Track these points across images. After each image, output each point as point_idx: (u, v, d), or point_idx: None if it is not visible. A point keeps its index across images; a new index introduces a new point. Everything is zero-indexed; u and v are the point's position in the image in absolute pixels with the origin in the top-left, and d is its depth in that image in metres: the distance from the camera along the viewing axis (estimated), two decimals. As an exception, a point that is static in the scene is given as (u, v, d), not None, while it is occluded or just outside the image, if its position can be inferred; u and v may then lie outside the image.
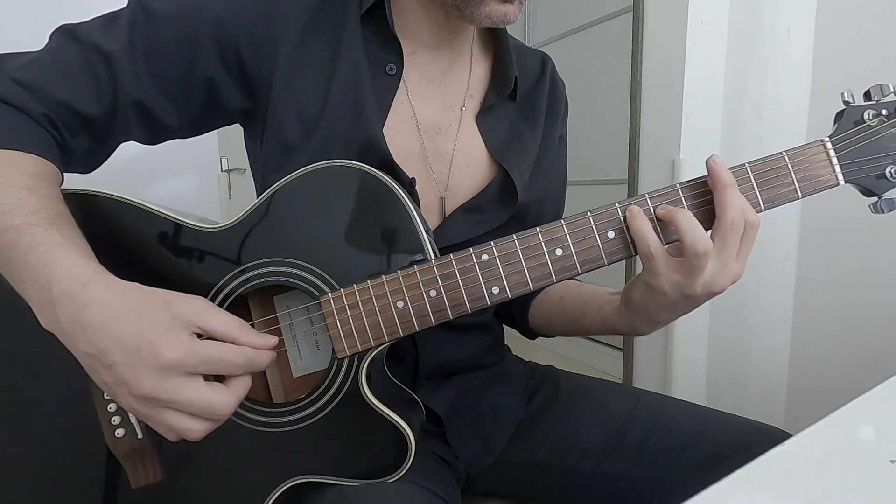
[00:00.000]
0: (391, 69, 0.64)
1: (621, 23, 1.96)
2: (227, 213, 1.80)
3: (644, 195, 0.53)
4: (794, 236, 1.33)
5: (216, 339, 0.47)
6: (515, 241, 0.53)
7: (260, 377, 0.59)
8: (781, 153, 0.53)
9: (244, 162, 0.72)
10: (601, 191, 2.13)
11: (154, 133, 0.63)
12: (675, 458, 0.66)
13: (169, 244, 0.55)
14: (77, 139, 0.59)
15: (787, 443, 0.40)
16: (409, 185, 0.62)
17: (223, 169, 1.99)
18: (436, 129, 0.67)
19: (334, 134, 0.61)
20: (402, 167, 0.62)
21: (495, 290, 0.53)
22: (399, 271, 0.53)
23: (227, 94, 0.62)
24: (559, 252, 0.53)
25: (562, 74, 0.81)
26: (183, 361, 0.43)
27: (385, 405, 0.53)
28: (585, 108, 2.12)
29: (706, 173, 0.52)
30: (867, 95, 0.55)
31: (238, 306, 0.55)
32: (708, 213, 0.52)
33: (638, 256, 0.53)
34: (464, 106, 0.69)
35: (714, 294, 0.52)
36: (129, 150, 0.64)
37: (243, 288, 0.54)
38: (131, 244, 0.56)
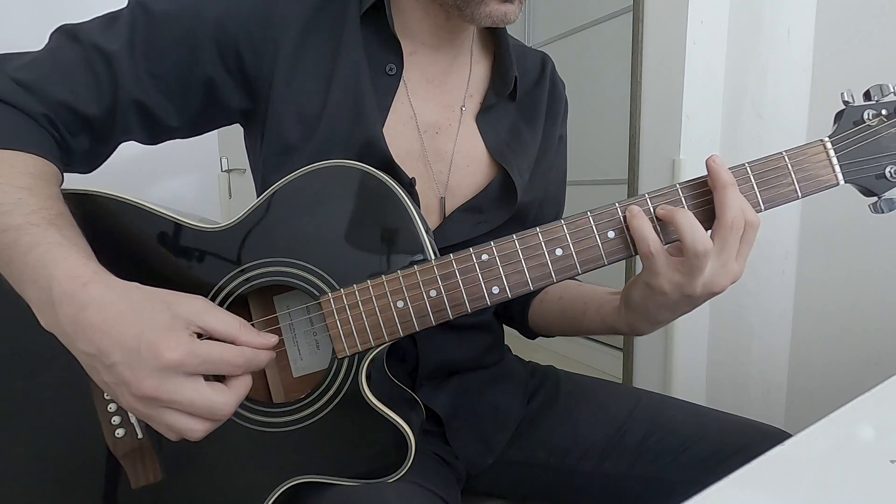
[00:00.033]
0: (391, 69, 0.64)
1: (621, 23, 1.96)
2: (227, 213, 1.80)
3: (644, 195, 0.53)
4: (794, 236, 1.33)
5: (216, 339, 0.47)
6: (515, 241, 0.53)
7: (260, 377, 0.59)
8: (781, 153, 0.53)
9: (244, 162, 0.72)
10: (601, 191, 2.13)
11: (154, 133, 0.63)
12: (675, 458, 0.66)
13: (169, 244, 0.55)
14: (77, 139, 0.59)
15: (787, 443, 0.40)
16: (408, 185, 0.62)
17: (223, 169, 1.98)
18: (436, 129, 0.67)
19: (334, 134, 0.61)
20: (402, 167, 0.62)
21: (495, 290, 0.53)
22: (399, 271, 0.53)
23: (227, 94, 0.62)
24: (559, 252, 0.53)
25: (562, 74, 0.81)
26: (183, 362, 0.43)
27: (385, 405, 0.53)
28: (585, 108, 2.12)
29: (706, 173, 0.52)
30: (867, 95, 0.55)
31: (238, 306, 0.55)
32: (708, 213, 0.52)
33: (638, 256, 0.53)
34: (464, 106, 0.69)
35: (714, 294, 0.52)
36: (129, 150, 0.64)
37: (243, 288, 0.54)
38: (131, 244, 0.56)
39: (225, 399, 0.45)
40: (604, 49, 2.14)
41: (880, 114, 0.54)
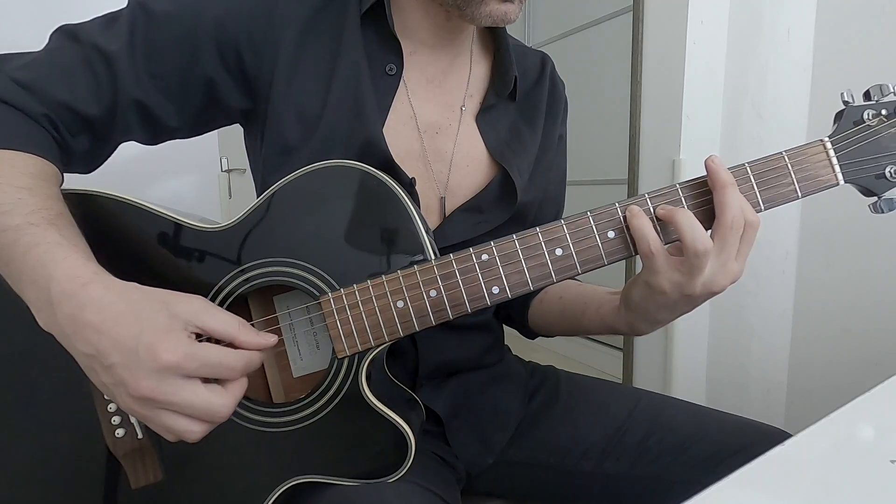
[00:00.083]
0: (391, 69, 0.64)
1: (621, 23, 1.96)
2: (227, 213, 1.80)
3: (644, 195, 0.53)
4: (794, 236, 1.33)
5: (216, 339, 0.47)
6: (515, 240, 0.53)
7: (260, 377, 0.59)
8: (781, 153, 0.53)
9: (244, 162, 0.72)
10: (601, 191, 2.13)
11: (154, 133, 0.63)
12: (675, 458, 0.66)
13: (169, 244, 0.55)
14: (77, 139, 0.59)
15: (787, 443, 0.40)
16: (408, 185, 0.62)
17: (223, 169, 1.99)
18: (436, 129, 0.67)
19: (334, 134, 0.61)
20: (401, 167, 0.62)
21: (495, 290, 0.53)
22: (399, 271, 0.53)
23: (226, 94, 0.62)
24: (559, 252, 0.53)
25: (562, 74, 0.81)
26: (181, 364, 0.43)
27: (385, 405, 0.53)
28: (585, 108, 2.12)
29: (706, 173, 0.52)
30: (867, 95, 0.55)
31: (238, 306, 0.55)
32: (708, 213, 0.52)
33: (638, 256, 0.53)
34: (463, 106, 0.69)
35: (714, 294, 0.52)
36: (129, 150, 0.64)
37: (243, 288, 0.54)
38: (131, 244, 0.56)
39: (223, 401, 0.45)
40: (604, 49, 2.14)
41: (880, 114, 0.54)
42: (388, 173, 0.55)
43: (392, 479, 0.54)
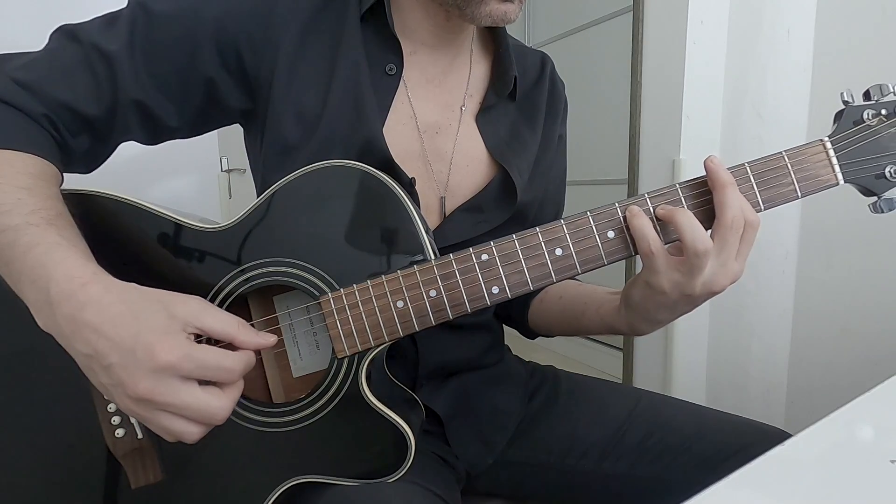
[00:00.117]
0: (391, 69, 0.64)
1: (621, 23, 1.96)
2: (227, 213, 1.80)
3: (644, 195, 0.53)
4: (794, 236, 1.33)
5: (215, 339, 0.47)
6: (515, 240, 0.53)
7: (260, 377, 0.59)
8: (781, 153, 0.53)
9: (244, 162, 0.72)
10: (601, 191, 2.13)
11: (154, 133, 0.63)
12: (675, 458, 0.66)
13: (169, 244, 0.55)
14: (77, 139, 0.59)
15: (787, 443, 0.40)
16: (408, 185, 0.62)
17: (223, 169, 1.99)
18: (435, 129, 0.67)
19: (334, 134, 0.61)
20: (401, 167, 0.62)
21: (495, 290, 0.53)
22: (399, 271, 0.53)
23: (226, 94, 0.62)
24: (559, 252, 0.53)
25: (562, 74, 0.81)
26: (178, 364, 0.42)
27: (385, 405, 0.53)
28: (585, 108, 2.12)
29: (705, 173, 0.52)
30: (867, 95, 0.55)
31: (238, 306, 0.55)
32: (707, 213, 0.52)
33: (638, 256, 0.53)
34: (463, 106, 0.69)
35: (714, 293, 0.52)
36: (129, 150, 0.64)
37: (243, 288, 0.54)
38: (131, 244, 0.56)
39: (220, 404, 0.45)
40: (604, 49, 2.14)
41: (880, 113, 0.53)
42: (388, 173, 0.54)
43: (392, 479, 0.54)
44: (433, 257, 0.54)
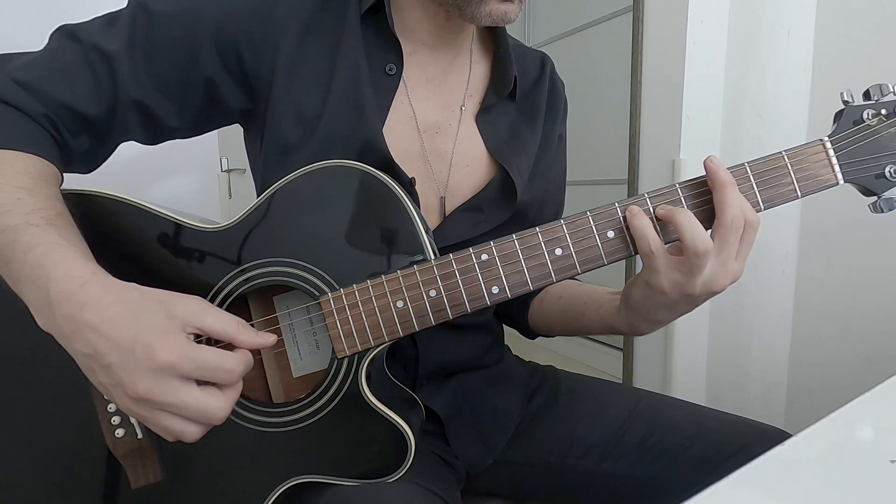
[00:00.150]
0: (391, 69, 0.64)
1: (621, 23, 1.96)
2: (227, 213, 1.80)
3: (643, 195, 0.53)
4: (794, 236, 1.33)
5: (215, 339, 0.47)
6: (515, 240, 0.53)
7: (260, 377, 0.59)
8: (781, 153, 0.53)
9: (244, 162, 0.72)
10: (601, 191, 2.13)
11: (154, 133, 0.63)
12: (675, 458, 0.66)
13: (169, 244, 0.55)
14: (77, 139, 0.59)
15: (787, 443, 0.40)
16: (408, 185, 0.62)
17: (223, 169, 1.99)
18: (435, 129, 0.67)
19: (334, 134, 0.61)
20: (401, 167, 0.62)
21: (495, 289, 0.53)
22: (399, 271, 0.53)
23: (226, 93, 0.62)
24: (559, 252, 0.53)
25: (562, 74, 0.81)
26: (177, 364, 0.42)
27: (385, 405, 0.53)
28: (585, 108, 2.12)
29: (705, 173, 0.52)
30: (866, 95, 0.55)
31: (238, 306, 0.55)
32: (707, 213, 0.52)
33: (637, 256, 0.53)
34: (463, 106, 0.69)
35: (714, 293, 0.52)
36: (129, 150, 0.64)
37: (243, 288, 0.54)
38: (131, 244, 0.56)
39: (219, 404, 0.45)
40: (604, 49, 2.14)
41: (880, 113, 0.53)
42: (388, 173, 0.54)
43: (392, 479, 0.54)
44: (433, 257, 0.54)
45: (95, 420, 0.54)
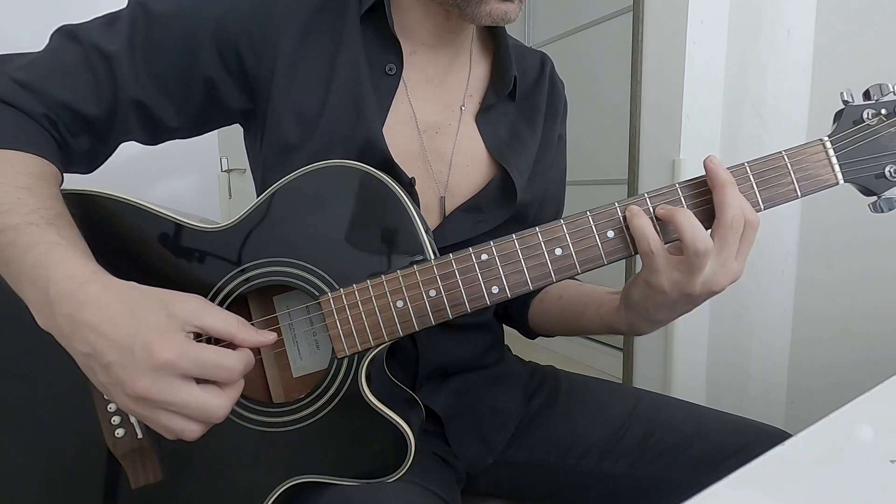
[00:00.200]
0: (391, 69, 0.64)
1: (621, 23, 1.96)
2: (227, 213, 1.80)
3: (643, 195, 0.53)
4: (794, 236, 1.33)
5: (214, 339, 0.47)
6: (515, 240, 0.53)
7: (260, 377, 0.59)
8: (780, 153, 0.53)
9: (244, 162, 0.72)
10: (601, 191, 2.13)
11: (154, 133, 0.63)
12: (675, 458, 0.66)
13: (169, 244, 0.55)
14: (77, 139, 0.59)
15: (787, 443, 0.40)
16: (408, 185, 0.62)
17: (223, 169, 1.98)
18: (435, 129, 0.67)
19: (334, 134, 0.61)
20: (401, 167, 0.62)
21: (495, 289, 0.53)
22: (399, 271, 0.53)
23: (226, 93, 0.62)
24: (559, 252, 0.53)
25: (562, 74, 0.81)
26: (176, 362, 0.42)
27: (385, 405, 0.53)
28: (585, 108, 2.12)
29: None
30: (866, 95, 0.55)
31: (238, 306, 0.55)
32: (707, 213, 0.52)
33: (637, 256, 0.53)
34: (463, 106, 0.69)
35: (713, 293, 0.52)
36: (129, 150, 0.64)
37: (243, 288, 0.54)
38: (131, 244, 0.56)
39: (219, 402, 0.45)
40: (604, 49, 2.14)
41: (880, 113, 0.53)
42: (388, 173, 0.55)
43: (392, 479, 0.54)
44: (433, 257, 0.54)
45: (95, 420, 0.54)
